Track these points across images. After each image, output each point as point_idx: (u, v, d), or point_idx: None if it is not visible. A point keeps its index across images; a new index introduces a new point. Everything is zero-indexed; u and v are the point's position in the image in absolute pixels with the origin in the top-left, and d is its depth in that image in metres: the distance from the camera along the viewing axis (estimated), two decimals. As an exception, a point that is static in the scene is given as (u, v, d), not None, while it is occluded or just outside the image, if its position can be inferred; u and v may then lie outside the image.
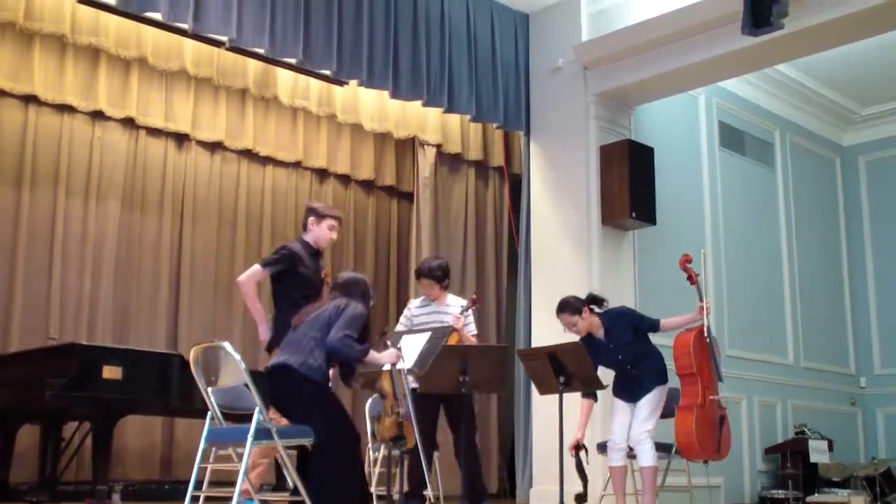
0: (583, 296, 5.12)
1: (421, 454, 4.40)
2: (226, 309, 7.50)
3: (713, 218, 8.31)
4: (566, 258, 7.11)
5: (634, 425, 4.81)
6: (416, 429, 4.07)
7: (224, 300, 7.46)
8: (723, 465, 7.01)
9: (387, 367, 4.02)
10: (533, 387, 5.29)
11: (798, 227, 9.35)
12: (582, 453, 4.82)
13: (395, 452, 4.21)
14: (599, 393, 4.88)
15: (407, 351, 4.31)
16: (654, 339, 5.16)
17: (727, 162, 8.62)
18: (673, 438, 5.01)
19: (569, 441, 4.74)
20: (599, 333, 4.92)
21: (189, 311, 7.29)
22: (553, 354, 4.61)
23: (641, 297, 7.21)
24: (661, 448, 5.02)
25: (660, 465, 4.96)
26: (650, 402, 4.87)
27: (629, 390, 4.92)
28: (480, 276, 8.07)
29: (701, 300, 4.97)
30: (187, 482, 3.84)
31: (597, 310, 4.96)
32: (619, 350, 4.90)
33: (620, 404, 4.94)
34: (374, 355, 3.94)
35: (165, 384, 5.27)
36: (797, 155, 9.62)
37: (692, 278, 4.95)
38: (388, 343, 4.32)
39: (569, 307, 4.92)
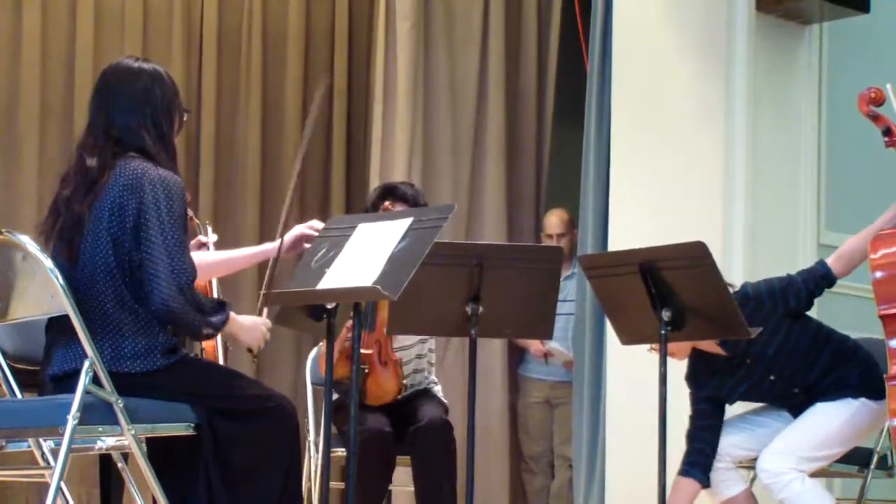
0: (711, 165, 5.37)
1: None
2: (10, 165, 6.48)
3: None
4: (683, 81, 5.94)
5: (777, 446, 4.30)
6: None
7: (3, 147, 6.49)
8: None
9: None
10: (607, 339, 5.51)
11: None
12: None
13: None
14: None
15: (362, 258, 3.48)
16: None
17: None
18: (878, 439, 4.57)
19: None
20: (716, 348, 4.35)
21: None
22: (650, 265, 3.92)
23: (830, 166, 6.11)
24: (855, 458, 4.57)
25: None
26: (829, 419, 4.33)
27: (786, 398, 4.46)
28: (511, 115, 7.08)
29: None
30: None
31: None
32: (769, 366, 4.34)
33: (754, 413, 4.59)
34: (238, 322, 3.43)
35: None
36: None
37: (892, 132, 4.41)
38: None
39: None
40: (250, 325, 3.56)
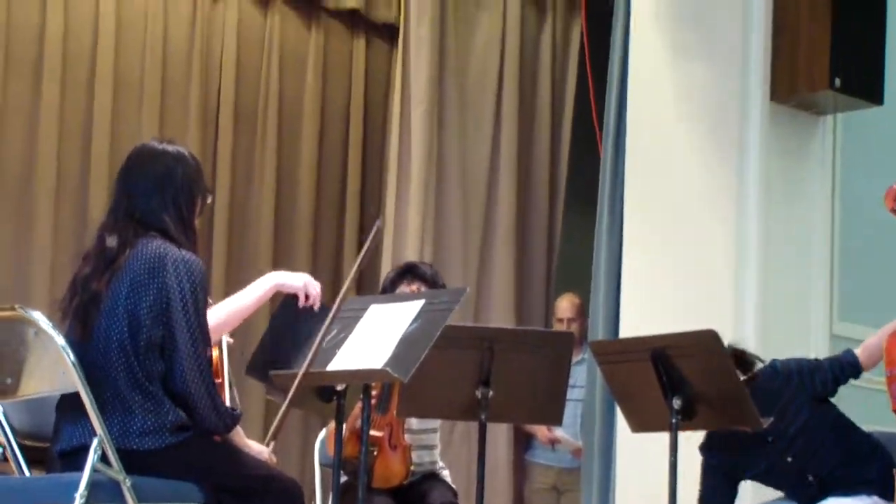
0: (723, 254, 5.40)
1: None
2: (23, 235, 6.43)
3: None
4: (696, 169, 6.00)
5: None
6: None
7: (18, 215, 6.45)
8: None
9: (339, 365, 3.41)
10: (617, 420, 5.42)
11: None
12: None
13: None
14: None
15: (373, 340, 3.50)
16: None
17: None
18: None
19: None
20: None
21: None
22: (662, 352, 3.95)
23: (842, 256, 6.07)
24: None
25: None
26: None
27: (800, 486, 4.40)
28: (523, 199, 7.16)
29: None
30: None
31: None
32: (788, 447, 4.32)
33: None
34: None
35: None
36: None
37: None
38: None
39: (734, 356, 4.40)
40: (256, 450, 3.60)
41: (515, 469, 6.75)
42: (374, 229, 4.24)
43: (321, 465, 4.92)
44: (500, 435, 6.70)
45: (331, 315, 3.74)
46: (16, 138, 6.34)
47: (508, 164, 7.31)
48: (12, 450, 3.53)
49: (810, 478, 4.38)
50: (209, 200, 3.52)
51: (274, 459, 3.64)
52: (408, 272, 4.93)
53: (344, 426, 3.77)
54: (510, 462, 6.74)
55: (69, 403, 3.23)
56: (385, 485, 4.38)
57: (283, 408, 3.69)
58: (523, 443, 6.64)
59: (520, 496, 6.30)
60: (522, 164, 7.40)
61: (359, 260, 3.96)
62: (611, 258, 6.35)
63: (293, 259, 6.90)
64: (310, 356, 3.61)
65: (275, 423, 3.80)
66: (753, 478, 4.61)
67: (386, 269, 6.32)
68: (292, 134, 6.90)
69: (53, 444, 3.39)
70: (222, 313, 3.88)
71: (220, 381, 4.16)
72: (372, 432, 4.10)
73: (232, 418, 3.36)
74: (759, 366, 4.56)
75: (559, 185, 7.49)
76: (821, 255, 6.03)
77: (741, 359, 4.50)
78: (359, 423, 4.00)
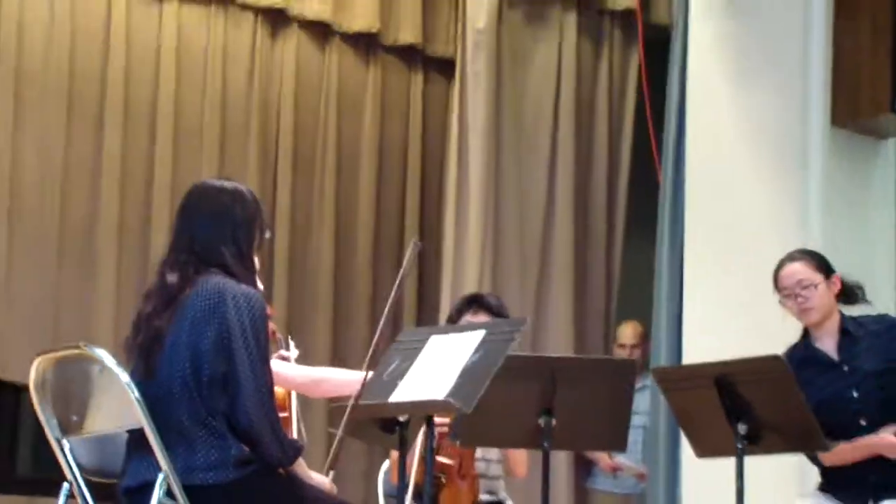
0: None
1: None
2: (87, 278, 6.45)
3: None
4: (757, 195, 6.03)
5: None
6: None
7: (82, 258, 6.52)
8: None
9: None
10: (682, 446, 5.42)
11: None
12: None
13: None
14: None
15: (434, 370, 3.45)
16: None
17: None
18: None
19: None
20: (827, 345, 4.43)
21: (5, 284, 6.37)
22: (725, 378, 3.93)
23: None
24: None
25: None
26: None
27: (860, 482, 4.33)
28: (581, 228, 7.13)
29: None
30: None
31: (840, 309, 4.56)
32: (861, 382, 4.33)
33: None
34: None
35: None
36: None
37: None
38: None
39: (814, 258, 4.53)
40: (317, 481, 3.60)
41: (576, 499, 6.72)
42: (412, 246, 4.33)
43: (385, 495, 4.89)
44: (560, 465, 6.62)
45: (374, 342, 3.87)
46: (79, 184, 6.41)
47: (566, 194, 7.29)
48: (79, 486, 3.54)
49: (863, 422, 4.37)
50: (267, 235, 3.54)
51: (335, 489, 3.64)
52: (473, 302, 4.94)
53: (416, 451, 3.84)
54: (571, 493, 6.71)
55: (135, 441, 3.24)
56: None
57: (338, 437, 3.76)
58: (584, 470, 6.58)
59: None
60: (580, 194, 7.38)
61: (398, 279, 4.04)
62: (672, 284, 6.33)
63: (352, 299, 6.92)
64: (360, 387, 3.63)
65: (331, 453, 3.84)
66: (816, 403, 4.41)
67: (445, 300, 6.38)
68: (351, 173, 6.89)
69: (120, 481, 3.41)
70: (318, 376, 4.05)
71: (286, 415, 4.21)
72: (443, 459, 4.14)
73: (295, 450, 3.35)
74: (861, 299, 4.59)
75: (617, 213, 7.46)
76: (884, 278, 5.98)
77: (849, 289, 4.58)
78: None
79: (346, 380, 4.02)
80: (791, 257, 4.67)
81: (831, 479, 4.51)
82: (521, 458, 4.90)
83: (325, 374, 4.13)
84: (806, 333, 4.55)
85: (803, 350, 4.52)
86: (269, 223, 6.87)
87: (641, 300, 6.70)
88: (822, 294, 4.49)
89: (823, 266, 4.59)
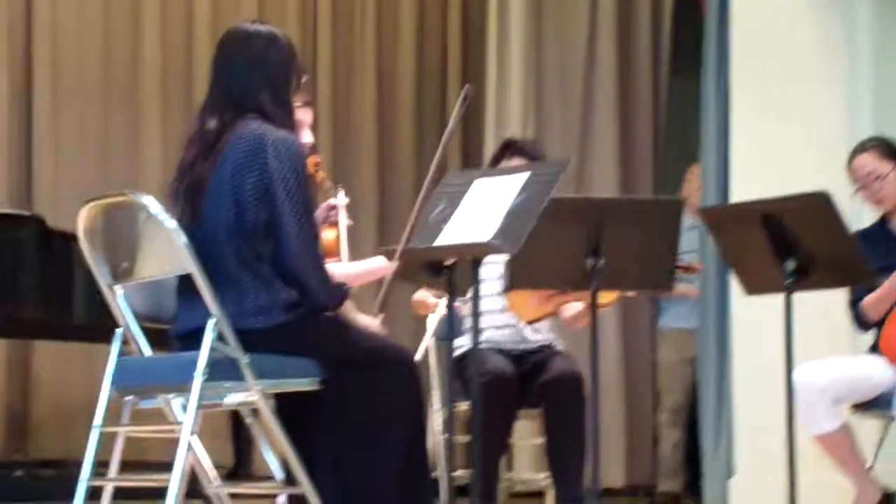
0: (836, 116, 5.34)
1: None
2: (131, 128, 6.70)
3: None
4: (804, 30, 5.82)
5: None
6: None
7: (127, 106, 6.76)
8: None
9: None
10: (730, 292, 5.45)
11: None
12: None
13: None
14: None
15: (479, 213, 3.50)
16: None
17: None
18: None
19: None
20: None
21: (52, 135, 6.60)
22: (772, 216, 3.91)
23: None
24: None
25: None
26: None
27: None
28: (625, 66, 7.13)
29: None
30: (62, 462, 4.02)
31: None
32: None
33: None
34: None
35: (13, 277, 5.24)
36: None
37: None
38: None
39: (883, 146, 4.53)
40: (366, 323, 3.67)
41: (651, 340, 6.85)
42: (463, 94, 4.30)
43: (437, 338, 4.99)
44: (642, 307, 6.79)
45: (425, 186, 3.80)
46: (121, 30, 6.43)
47: (608, 34, 7.19)
48: (132, 332, 3.59)
49: None
50: (304, 79, 3.51)
51: (384, 331, 3.67)
52: (507, 147, 4.96)
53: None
54: (619, 334, 6.87)
55: (186, 286, 3.29)
56: (514, 310, 4.51)
57: (388, 280, 3.79)
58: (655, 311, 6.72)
59: (653, 364, 6.39)
60: (623, 31, 7.29)
61: (450, 125, 4.00)
62: (719, 124, 6.27)
63: (395, 147, 6.92)
64: (406, 231, 3.66)
65: (380, 296, 3.87)
66: (878, 271, 4.42)
67: (489, 142, 6.33)
68: (390, 20, 6.91)
69: (173, 327, 3.48)
70: (357, 270, 4.06)
71: (337, 259, 4.25)
72: None
73: (341, 294, 3.38)
74: None
75: (662, 52, 7.40)
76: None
77: (890, 147, 4.64)
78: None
79: (365, 269, 4.08)
80: (862, 146, 4.68)
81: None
82: (574, 311, 4.94)
83: (366, 266, 4.15)
84: (884, 217, 4.58)
85: (879, 227, 4.55)
86: (311, 71, 6.88)
87: (690, 139, 6.60)
88: (892, 182, 4.54)
89: (893, 152, 4.62)
